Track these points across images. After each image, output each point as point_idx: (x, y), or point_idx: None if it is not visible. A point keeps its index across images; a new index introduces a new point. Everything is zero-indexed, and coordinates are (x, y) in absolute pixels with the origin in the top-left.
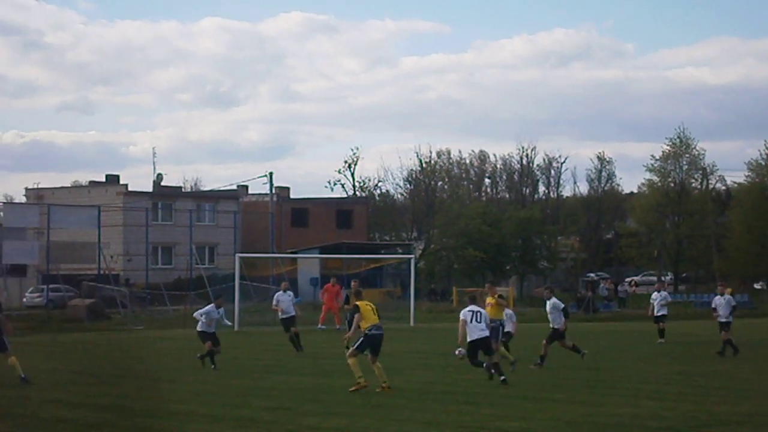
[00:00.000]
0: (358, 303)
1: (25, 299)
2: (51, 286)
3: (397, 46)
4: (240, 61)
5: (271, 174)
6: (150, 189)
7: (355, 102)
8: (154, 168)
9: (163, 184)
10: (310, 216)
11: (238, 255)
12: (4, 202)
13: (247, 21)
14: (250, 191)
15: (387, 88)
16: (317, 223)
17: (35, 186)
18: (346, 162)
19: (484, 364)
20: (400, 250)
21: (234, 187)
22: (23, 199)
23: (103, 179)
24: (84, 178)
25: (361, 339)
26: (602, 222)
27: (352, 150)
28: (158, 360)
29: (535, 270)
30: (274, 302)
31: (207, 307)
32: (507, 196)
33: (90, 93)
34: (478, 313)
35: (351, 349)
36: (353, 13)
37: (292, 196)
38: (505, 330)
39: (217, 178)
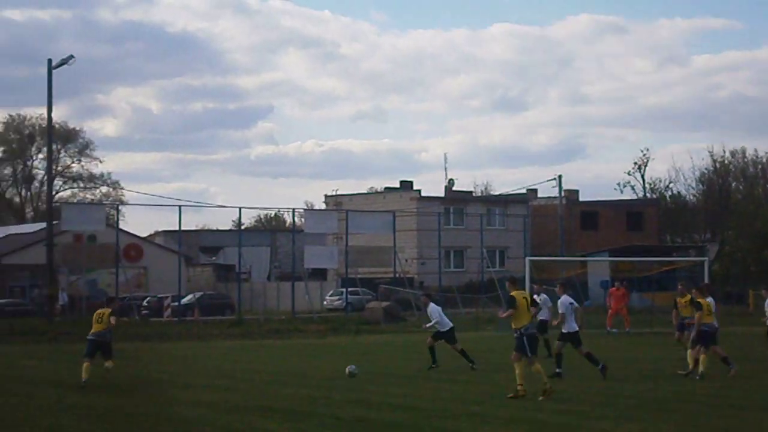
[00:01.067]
0: (515, 295)
1: (325, 302)
2: (350, 289)
3: (688, 45)
4: (529, 66)
5: (560, 177)
6: (442, 194)
7: (646, 102)
8: (446, 173)
9: (454, 189)
10: (600, 218)
11: (528, 258)
12: (305, 209)
13: (536, 25)
14: (539, 194)
15: (678, 87)
16: (607, 225)
17: (334, 193)
18: (635, 163)
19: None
20: (692, 253)
21: (523, 190)
22: (323, 206)
23: (397, 185)
24: (378, 184)
25: (521, 340)
26: None
27: (641, 151)
28: (453, 361)
29: None
30: None
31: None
32: None
33: (384, 101)
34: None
35: (514, 353)
36: (642, 12)
37: (581, 199)
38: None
39: (506, 182)
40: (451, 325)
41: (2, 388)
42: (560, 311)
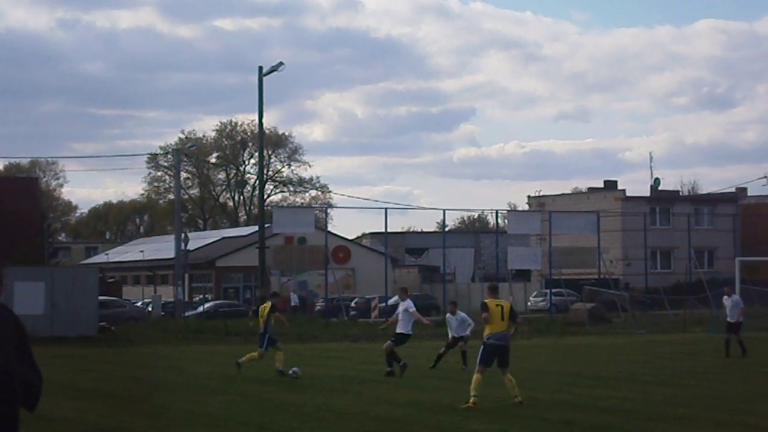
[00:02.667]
0: (487, 301)
1: (529, 303)
2: (554, 290)
3: None
4: (736, 62)
5: None
6: (647, 194)
7: None
8: (651, 173)
9: (660, 188)
10: None
11: (738, 258)
12: (508, 210)
13: (743, 20)
14: (749, 193)
15: None
16: None
17: (537, 194)
18: None
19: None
20: None
21: (732, 189)
22: (526, 207)
23: (600, 185)
24: (581, 184)
25: (481, 349)
26: None
27: None
28: (660, 364)
29: None
30: None
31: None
32: None
33: (586, 101)
34: None
35: (477, 364)
36: None
37: None
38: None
39: (714, 181)
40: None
41: (216, 387)
42: None
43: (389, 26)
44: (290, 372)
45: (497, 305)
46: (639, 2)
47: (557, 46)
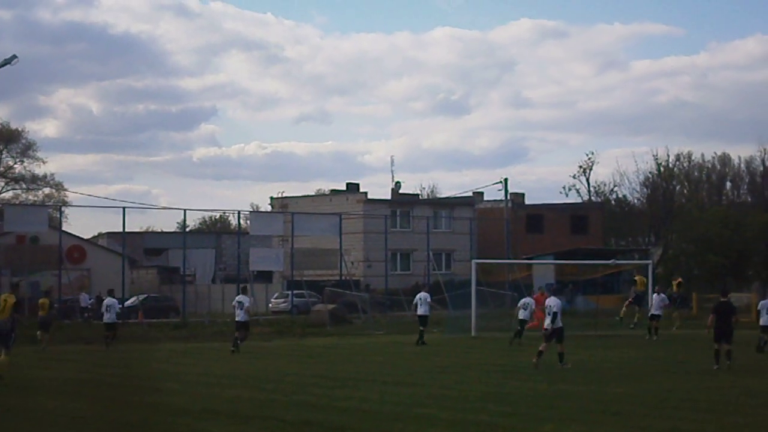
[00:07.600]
0: None
1: (270, 305)
2: (295, 291)
3: (627, 50)
4: (471, 69)
5: (506, 180)
6: (388, 197)
7: (586, 107)
8: (393, 176)
9: (401, 191)
10: (545, 222)
11: (474, 261)
12: (250, 211)
13: (477, 29)
14: (485, 198)
15: (618, 92)
16: (552, 228)
17: (279, 195)
18: (580, 167)
19: None
20: (636, 256)
21: (469, 194)
22: (268, 208)
23: (343, 188)
24: (323, 186)
25: None
26: None
27: (587, 155)
28: (398, 364)
29: None
30: None
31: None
32: (749, 199)
33: (327, 104)
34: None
35: None
36: (582, 17)
37: (526, 202)
38: None
39: (451, 185)
40: None
41: None
42: None
43: (127, 23)
44: None
45: (4, 300)
46: (378, 8)
47: (299, 49)
